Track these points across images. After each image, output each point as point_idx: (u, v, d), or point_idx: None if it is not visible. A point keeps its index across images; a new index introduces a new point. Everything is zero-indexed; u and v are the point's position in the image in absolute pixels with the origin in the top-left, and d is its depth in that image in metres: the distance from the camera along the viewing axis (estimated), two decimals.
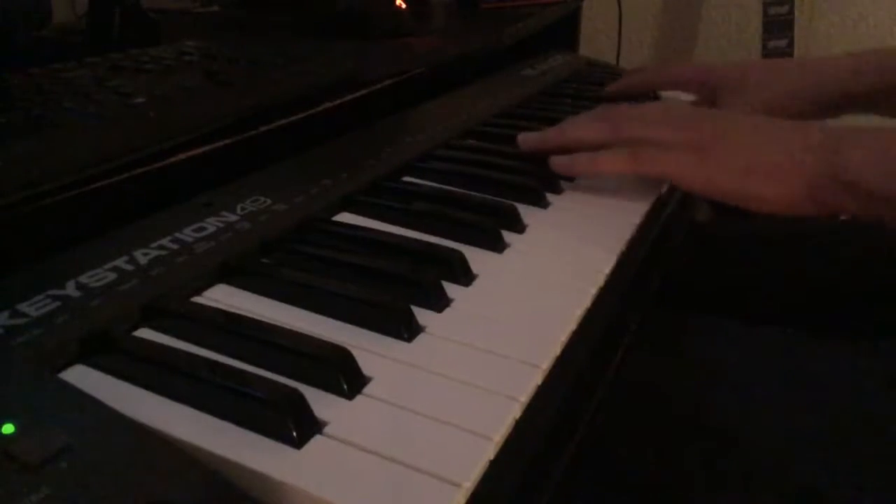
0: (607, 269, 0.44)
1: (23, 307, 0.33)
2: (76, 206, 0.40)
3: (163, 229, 0.41)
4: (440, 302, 0.39)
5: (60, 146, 0.43)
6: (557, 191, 0.55)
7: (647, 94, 0.83)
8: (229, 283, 0.39)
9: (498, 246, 0.46)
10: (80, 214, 0.40)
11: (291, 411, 0.29)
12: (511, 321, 0.38)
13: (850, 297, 0.63)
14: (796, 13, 1.52)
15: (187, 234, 0.41)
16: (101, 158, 0.42)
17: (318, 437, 0.29)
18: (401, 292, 0.38)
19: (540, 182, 0.54)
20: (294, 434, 0.28)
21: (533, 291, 0.42)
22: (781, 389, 0.50)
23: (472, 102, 0.73)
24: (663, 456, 0.46)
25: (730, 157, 0.50)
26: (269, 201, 0.46)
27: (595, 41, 1.60)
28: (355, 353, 0.33)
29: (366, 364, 0.33)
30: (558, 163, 0.56)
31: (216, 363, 0.32)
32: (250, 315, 0.36)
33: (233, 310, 0.37)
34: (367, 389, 0.32)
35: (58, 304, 0.34)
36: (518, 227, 0.48)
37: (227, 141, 0.48)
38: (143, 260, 0.38)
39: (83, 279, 0.36)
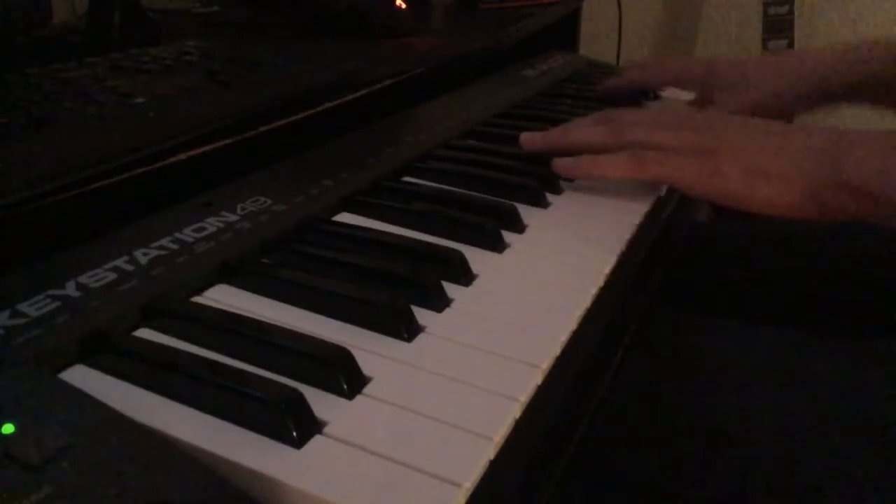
0: (607, 269, 0.44)
1: (23, 307, 0.33)
2: (76, 205, 0.40)
3: (163, 229, 0.41)
4: (440, 302, 0.39)
5: (60, 146, 0.43)
6: (557, 191, 0.55)
7: (647, 91, 0.83)
8: (229, 283, 0.39)
9: (498, 246, 0.46)
10: (80, 214, 0.40)
11: (291, 411, 0.29)
12: (511, 321, 0.38)
13: (850, 297, 0.63)
14: (796, 13, 1.52)
15: (187, 234, 0.41)
16: (101, 158, 0.42)
17: (318, 437, 0.29)
18: (401, 292, 0.38)
19: (540, 182, 0.54)
20: (294, 434, 0.28)
21: (533, 291, 0.42)
22: (781, 389, 0.50)
23: (472, 102, 0.72)
24: (663, 456, 0.46)
25: (731, 161, 0.50)
26: (269, 201, 0.46)
27: (595, 41, 1.60)
28: (355, 353, 0.33)
29: (366, 364, 0.33)
30: (561, 165, 0.56)
31: (216, 363, 0.32)
32: (250, 315, 0.36)
33: (233, 310, 0.37)
34: (367, 389, 0.32)
35: (58, 304, 0.34)
36: (518, 227, 0.48)
37: (227, 141, 0.48)
38: (143, 260, 0.38)
39: (83, 279, 0.36)
